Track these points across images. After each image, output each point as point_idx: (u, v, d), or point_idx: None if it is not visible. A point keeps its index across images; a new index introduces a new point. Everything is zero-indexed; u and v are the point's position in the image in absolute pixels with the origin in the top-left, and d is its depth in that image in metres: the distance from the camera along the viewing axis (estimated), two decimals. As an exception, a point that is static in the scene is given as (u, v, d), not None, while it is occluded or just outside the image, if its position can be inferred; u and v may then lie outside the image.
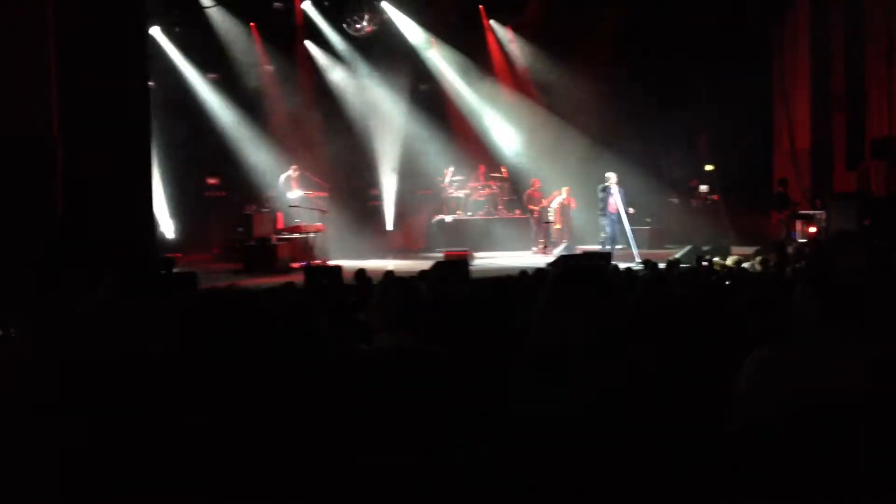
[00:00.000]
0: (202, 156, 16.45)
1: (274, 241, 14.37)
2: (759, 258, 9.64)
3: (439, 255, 13.72)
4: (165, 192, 15.89)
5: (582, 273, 2.42)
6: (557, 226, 16.58)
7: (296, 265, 13.90)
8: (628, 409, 2.19)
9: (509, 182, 17.80)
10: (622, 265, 9.72)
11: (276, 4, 16.62)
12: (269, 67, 16.69)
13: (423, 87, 17.95)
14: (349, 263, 12.80)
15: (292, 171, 15.65)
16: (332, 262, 13.54)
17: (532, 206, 17.01)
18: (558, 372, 2.25)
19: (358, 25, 16.62)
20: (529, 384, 2.30)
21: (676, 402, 2.36)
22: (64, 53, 10.08)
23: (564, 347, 2.28)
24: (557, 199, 16.96)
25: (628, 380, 2.24)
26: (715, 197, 17.63)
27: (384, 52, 17.30)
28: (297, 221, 14.97)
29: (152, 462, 2.00)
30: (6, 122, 9.73)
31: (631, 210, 14.48)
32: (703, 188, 17.74)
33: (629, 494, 2.11)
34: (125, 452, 2.11)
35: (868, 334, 1.99)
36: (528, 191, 17.19)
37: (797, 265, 8.03)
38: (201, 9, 15.94)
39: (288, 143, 16.47)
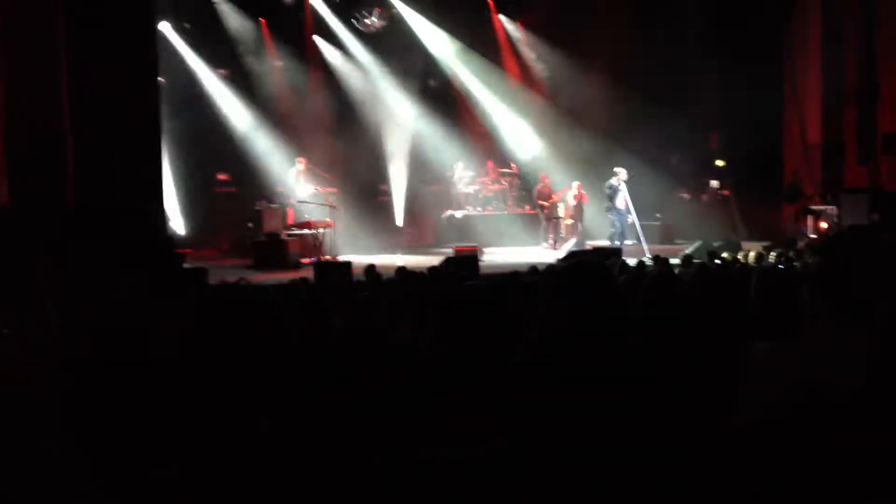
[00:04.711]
0: (212, 151, 16.47)
1: (284, 237, 14.40)
2: (774, 253, 9.61)
3: (449, 251, 13.70)
4: (175, 187, 15.93)
5: (582, 269, 2.40)
6: (567, 221, 16.55)
7: (306, 261, 13.92)
8: (629, 404, 2.19)
9: (518, 177, 17.77)
10: (631, 261, 9.71)
11: (286, 0, 16.64)
12: (279, 63, 16.70)
13: (432, 82, 17.94)
14: (359, 259, 12.82)
15: (299, 164, 15.65)
16: (341, 258, 13.56)
17: (541, 202, 16.99)
18: (558, 367, 2.25)
19: (367, 21, 16.61)
20: (530, 380, 2.30)
21: (682, 396, 2.36)
22: (74, 50, 10.12)
23: (566, 343, 2.28)
24: (568, 194, 16.94)
25: (631, 375, 2.25)
26: (725, 192, 17.57)
27: (393, 47, 17.30)
28: (307, 217, 14.98)
29: (158, 456, 2.01)
30: (18, 120, 9.77)
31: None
32: (714, 183, 17.68)
33: (633, 490, 2.11)
34: (132, 449, 2.13)
35: (873, 331, 1.99)
36: (538, 186, 17.17)
37: (808, 260, 8.00)
38: (211, 4, 15.98)
39: (297, 138, 16.47)
